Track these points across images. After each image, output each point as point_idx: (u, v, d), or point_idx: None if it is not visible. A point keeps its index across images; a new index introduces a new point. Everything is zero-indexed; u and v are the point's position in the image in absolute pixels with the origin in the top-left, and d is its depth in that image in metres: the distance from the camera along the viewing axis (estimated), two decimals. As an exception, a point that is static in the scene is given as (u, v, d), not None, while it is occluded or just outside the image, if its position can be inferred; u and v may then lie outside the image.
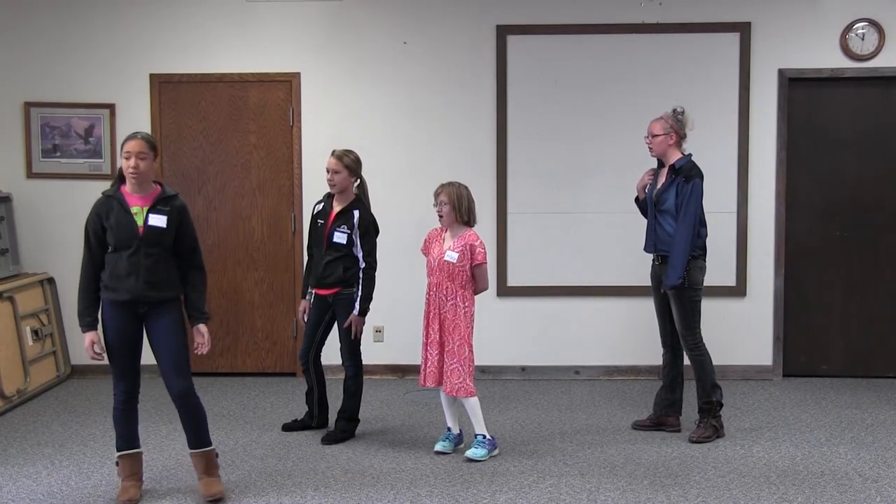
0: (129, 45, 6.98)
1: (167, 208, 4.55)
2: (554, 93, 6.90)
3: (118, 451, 4.68)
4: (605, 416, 6.10)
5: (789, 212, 6.94)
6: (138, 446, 4.72)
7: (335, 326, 5.63)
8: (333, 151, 5.57)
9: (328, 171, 5.53)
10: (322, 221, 5.57)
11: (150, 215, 4.51)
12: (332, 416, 5.73)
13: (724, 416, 5.75)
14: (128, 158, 4.51)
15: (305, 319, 5.72)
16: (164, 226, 4.51)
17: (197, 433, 4.65)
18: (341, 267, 5.48)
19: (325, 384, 5.78)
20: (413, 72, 6.96)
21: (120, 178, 4.61)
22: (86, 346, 4.55)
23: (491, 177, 6.94)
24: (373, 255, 5.50)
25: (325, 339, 5.71)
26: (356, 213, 5.48)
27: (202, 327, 4.65)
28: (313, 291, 5.65)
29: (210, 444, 4.69)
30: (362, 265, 5.48)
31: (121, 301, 4.48)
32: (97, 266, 4.54)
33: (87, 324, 4.54)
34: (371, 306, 5.55)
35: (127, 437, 4.68)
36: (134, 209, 4.50)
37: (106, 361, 4.62)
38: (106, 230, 4.49)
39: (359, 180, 5.60)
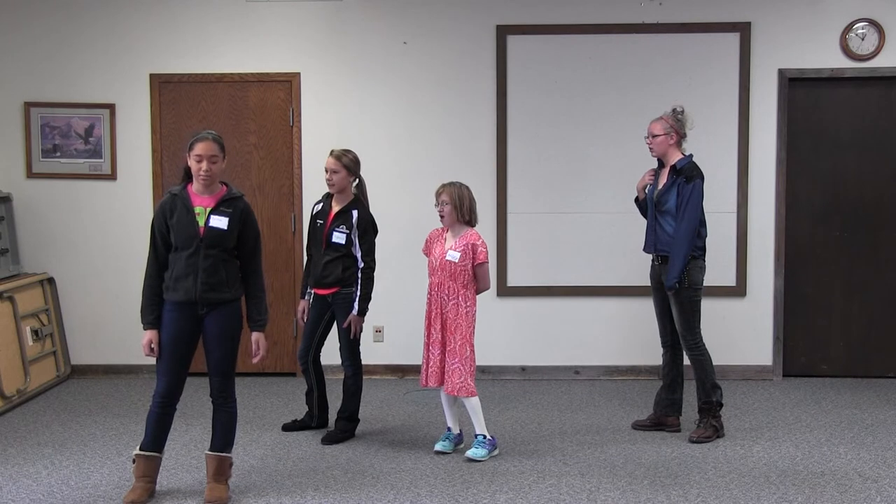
0: (129, 46, 6.98)
1: (230, 210, 4.49)
2: (554, 93, 6.90)
3: (139, 448, 4.60)
4: (605, 416, 6.10)
5: (789, 212, 6.94)
6: (160, 451, 4.63)
7: (334, 326, 5.63)
8: (332, 151, 5.57)
9: (327, 171, 5.53)
10: (321, 221, 5.57)
11: (212, 216, 4.45)
12: (332, 416, 5.73)
13: (724, 416, 5.75)
14: (199, 161, 4.43)
15: (304, 319, 5.72)
16: (226, 227, 4.46)
17: (222, 436, 4.62)
18: (340, 267, 5.48)
19: (324, 384, 5.78)
20: (413, 72, 6.96)
21: (186, 177, 4.55)
22: (143, 343, 4.50)
23: (491, 177, 6.94)
24: (371, 254, 5.50)
25: (325, 339, 5.71)
26: (355, 213, 5.48)
27: (255, 335, 4.63)
28: (312, 291, 5.65)
29: (229, 451, 4.66)
30: (361, 265, 5.48)
31: (179, 301, 4.45)
32: (162, 265, 4.50)
33: (148, 322, 4.50)
34: (371, 306, 5.55)
35: (153, 438, 4.58)
36: (197, 209, 4.46)
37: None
38: (170, 229, 4.46)
39: (357, 180, 5.60)
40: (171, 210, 4.47)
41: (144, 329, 4.52)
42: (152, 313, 4.51)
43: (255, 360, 4.70)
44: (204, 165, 4.43)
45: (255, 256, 4.62)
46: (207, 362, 4.59)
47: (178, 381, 4.56)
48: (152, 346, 4.50)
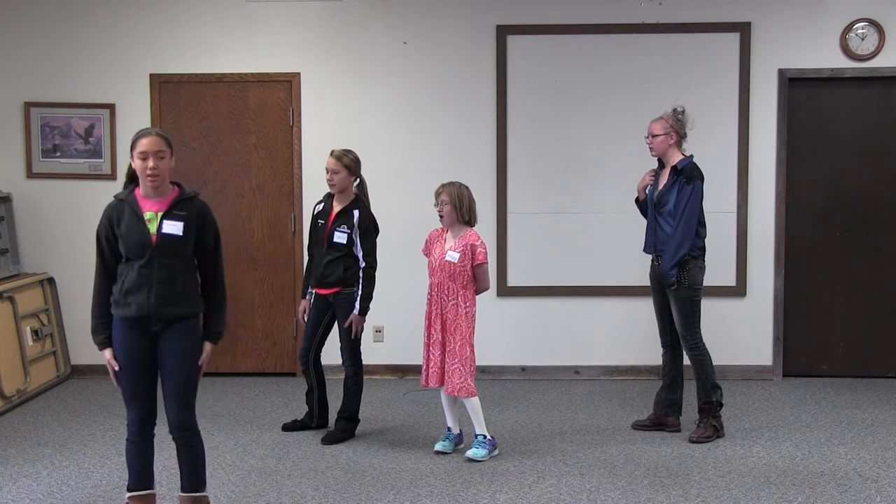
0: (129, 46, 6.98)
1: (184, 213, 3.99)
2: (554, 93, 6.90)
3: (129, 491, 4.14)
4: (605, 416, 6.10)
5: (789, 212, 6.94)
6: (152, 486, 4.16)
7: (335, 326, 5.63)
8: (332, 151, 5.57)
9: (327, 171, 5.54)
10: (322, 221, 5.57)
11: (165, 221, 3.95)
12: (332, 416, 5.74)
13: (724, 416, 5.74)
14: (144, 159, 3.92)
15: (305, 319, 5.72)
16: (181, 233, 3.96)
17: (192, 474, 4.12)
18: (342, 266, 5.48)
19: (325, 384, 5.78)
20: (413, 72, 6.96)
21: (132, 180, 4.07)
22: (106, 361, 4.05)
23: (491, 177, 6.94)
24: (373, 254, 5.50)
25: (326, 339, 5.71)
26: (356, 213, 5.48)
27: (206, 345, 4.09)
28: (313, 291, 5.65)
29: (204, 489, 4.17)
30: (362, 265, 5.48)
31: (131, 317, 3.95)
32: (111, 277, 4.03)
33: (101, 341, 4.04)
34: (371, 306, 5.56)
35: (140, 473, 4.11)
36: (147, 215, 3.96)
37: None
38: (118, 238, 3.97)
39: (358, 180, 5.60)
40: (119, 217, 3.97)
41: (100, 349, 4.06)
42: (104, 332, 4.03)
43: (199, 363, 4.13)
44: (150, 163, 3.91)
45: (216, 259, 4.11)
46: (163, 390, 4.05)
47: (149, 403, 4.06)
48: (113, 363, 4.02)
